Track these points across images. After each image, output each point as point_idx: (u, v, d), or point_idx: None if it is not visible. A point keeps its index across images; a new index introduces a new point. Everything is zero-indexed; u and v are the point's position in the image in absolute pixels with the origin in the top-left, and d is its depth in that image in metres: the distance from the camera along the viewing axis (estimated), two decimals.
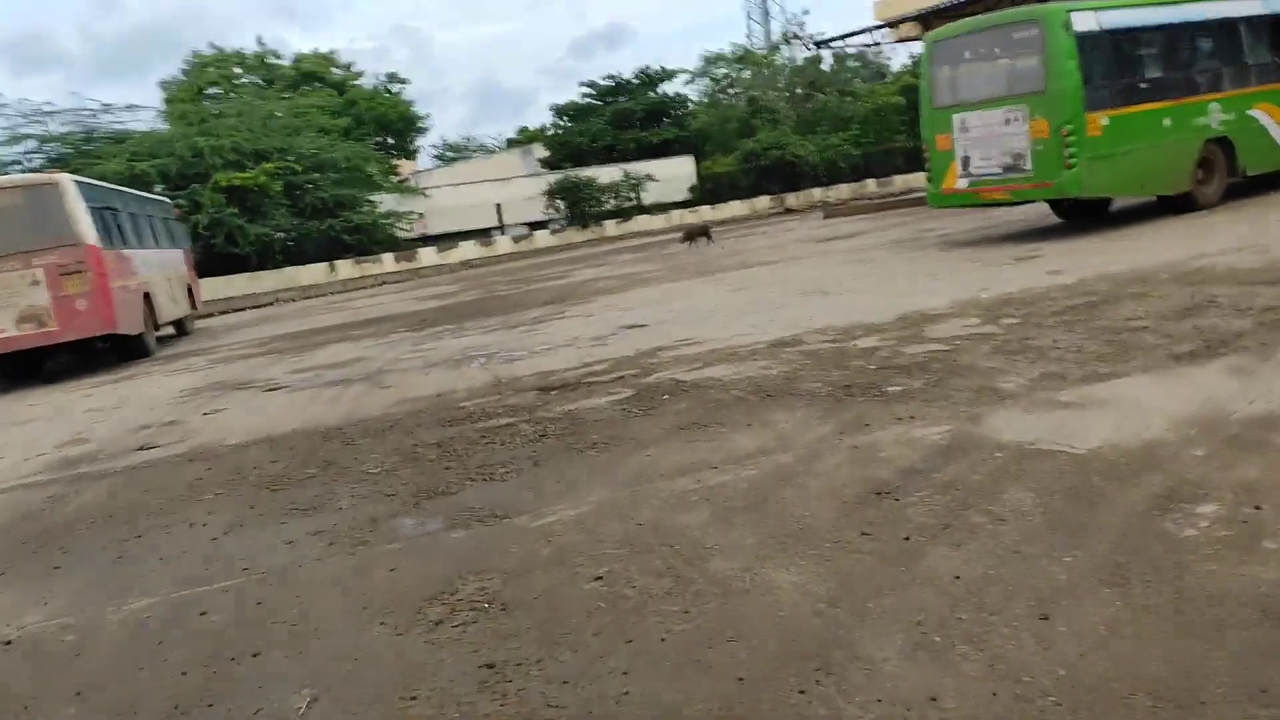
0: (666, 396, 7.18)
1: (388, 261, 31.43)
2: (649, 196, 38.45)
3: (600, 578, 3.98)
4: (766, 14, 58.18)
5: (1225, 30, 14.48)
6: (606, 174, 38.00)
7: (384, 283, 29.48)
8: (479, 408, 7.74)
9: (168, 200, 20.63)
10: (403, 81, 40.11)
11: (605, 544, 4.33)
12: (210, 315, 24.60)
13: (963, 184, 13.89)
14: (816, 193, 40.69)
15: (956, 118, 13.71)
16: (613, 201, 37.23)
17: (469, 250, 33.11)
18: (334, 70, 38.73)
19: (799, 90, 47.18)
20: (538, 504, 5.03)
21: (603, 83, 46.65)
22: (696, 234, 23.60)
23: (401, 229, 33.65)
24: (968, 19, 14.75)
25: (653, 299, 13.83)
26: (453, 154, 56.71)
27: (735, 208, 39.35)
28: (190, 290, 19.98)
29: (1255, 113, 14.38)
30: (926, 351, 7.40)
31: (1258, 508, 3.72)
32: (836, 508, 4.35)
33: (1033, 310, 8.45)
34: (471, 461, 6.08)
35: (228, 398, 10.32)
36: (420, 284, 26.90)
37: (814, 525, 4.19)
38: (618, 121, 45.73)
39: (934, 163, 14.24)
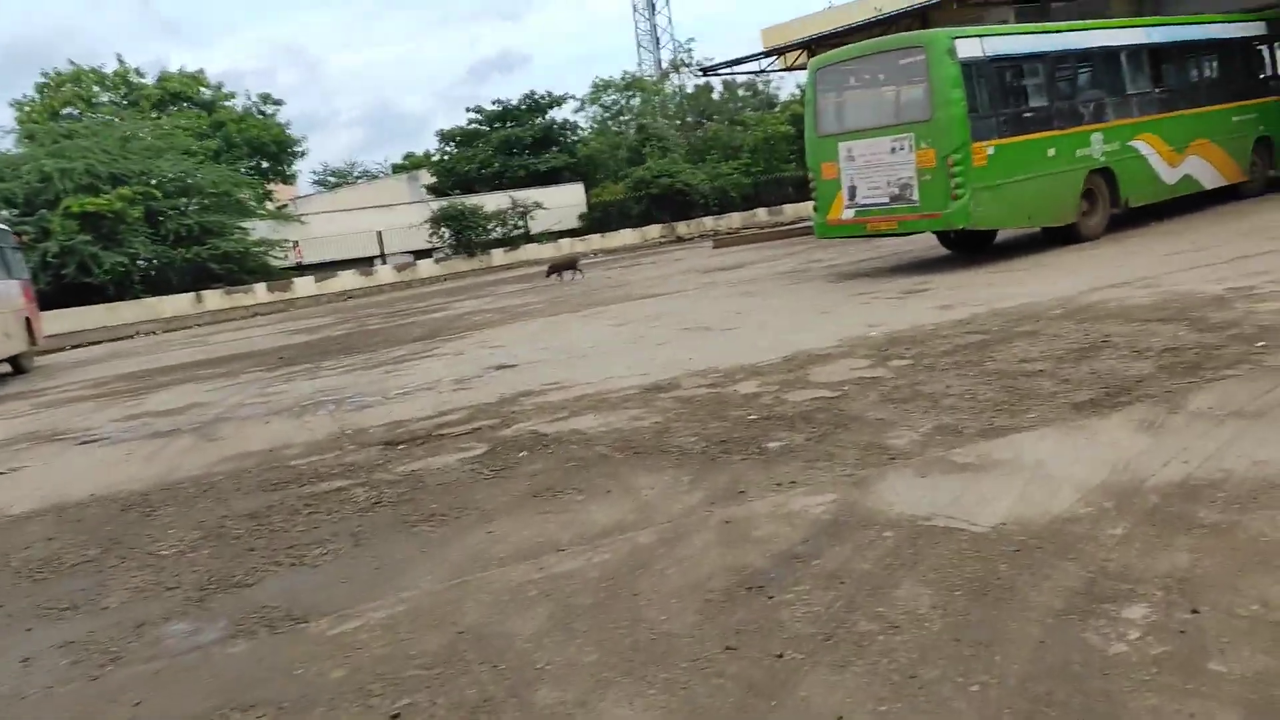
0: (523, 454, 6.36)
1: (260, 292, 29.83)
2: (538, 224, 37.59)
3: (397, 716, 3.12)
4: (657, 42, 58.00)
5: (1107, 59, 14.44)
6: (493, 201, 37.02)
7: (256, 314, 27.93)
8: (312, 467, 6.78)
9: (5, 228, 18.95)
10: (277, 103, 38.45)
11: (414, 662, 3.47)
12: (59, 350, 22.79)
13: (849, 214, 13.45)
14: (708, 221, 40.43)
15: (842, 146, 13.28)
16: (500, 230, 36.23)
17: (349, 280, 31.72)
18: (203, 90, 36.85)
19: (689, 118, 47.10)
20: (346, 600, 4.15)
21: (490, 108, 45.69)
22: (562, 267, 22.68)
23: (275, 258, 32.03)
24: (853, 45, 14.39)
25: (529, 335, 13.00)
26: (335, 179, 54.93)
27: (626, 236, 38.79)
28: (29, 324, 18.33)
29: (1137, 143, 14.34)
30: (811, 399, 6.74)
31: (1195, 611, 3.08)
32: (699, 608, 3.59)
33: (923, 350, 7.90)
34: (283, 539, 5.15)
35: (34, 452, 9.09)
36: (293, 316, 25.50)
37: (671, 634, 3.41)
38: (506, 148, 44.79)
39: (820, 192, 13.78)
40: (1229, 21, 16.73)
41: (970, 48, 12.49)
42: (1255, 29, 16.85)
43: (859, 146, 13.13)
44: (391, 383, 10.28)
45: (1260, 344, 6.37)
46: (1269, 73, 16.99)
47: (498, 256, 35.73)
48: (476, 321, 15.89)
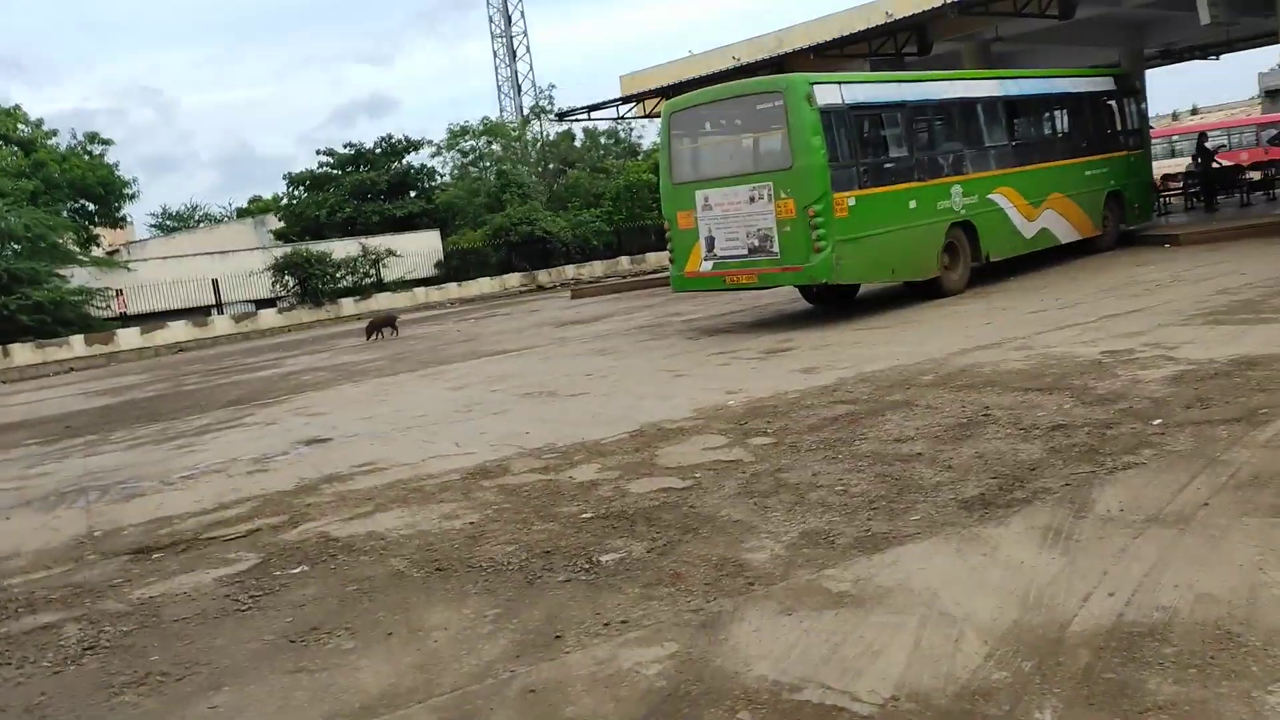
0: (300, 569, 5.09)
1: (77, 345, 27.21)
2: (392, 272, 35.92)
3: None
4: (518, 88, 57.06)
5: (965, 111, 14.11)
6: (343, 248, 35.20)
7: (72, 369, 25.44)
8: (28, 589, 5.34)
9: None
10: (105, 142, 35.72)
11: None
12: None
13: (707, 266, 12.62)
14: (569, 270, 39.51)
15: (699, 194, 12.46)
16: (350, 278, 34.42)
17: (180, 332, 29.36)
18: (21, 128, 33.98)
19: (552, 165, 46.27)
20: None
21: (342, 151, 43.87)
22: (380, 325, 21.07)
23: (96, 307, 29.42)
24: (709, 88, 13.67)
25: (357, 399, 11.63)
26: (174, 224, 51.84)
27: (485, 284, 37.47)
28: None
29: (996, 196, 14.01)
30: (658, 490, 5.69)
31: None
32: None
33: (787, 424, 6.98)
34: None
35: None
36: (111, 372, 23.22)
37: None
38: (359, 192, 43.04)
39: (676, 243, 12.93)
40: (1079, 76, 16.81)
41: (829, 94, 11.88)
42: (1104, 84, 16.97)
43: (716, 195, 12.34)
44: (179, 462, 8.79)
45: (1157, 422, 5.64)
46: (1118, 128, 17.10)
47: (347, 306, 33.88)
48: (305, 382, 14.37)
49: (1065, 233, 15.43)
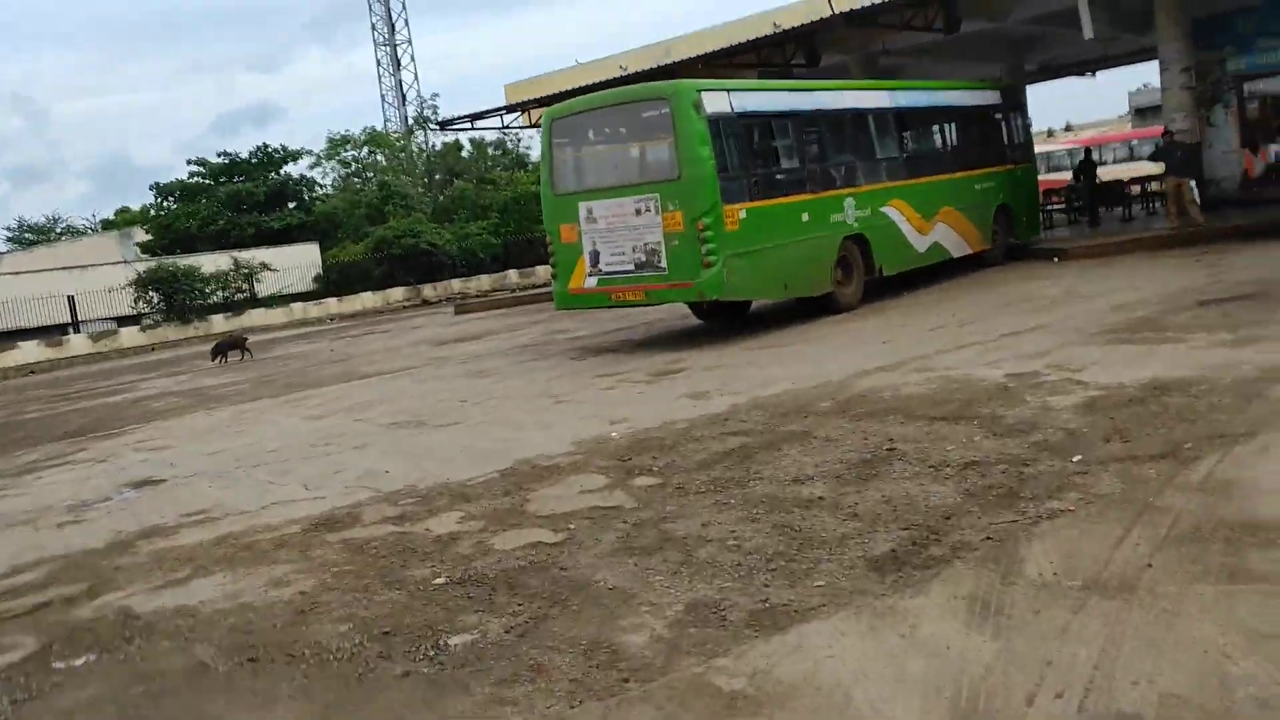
0: (85, 659, 4.18)
1: None
2: (268, 287, 34.26)
3: None
4: (403, 98, 55.46)
5: (856, 121, 13.73)
6: (213, 261, 33.42)
7: None
8: None
9: None
10: None
11: None
12: None
13: (592, 282, 11.89)
14: (456, 284, 38.36)
15: (583, 206, 11.74)
16: (221, 293, 32.67)
17: (31, 352, 27.32)
18: None
19: (438, 176, 44.98)
20: None
21: (215, 160, 41.86)
22: (228, 347, 19.62)
23: None
24: (593, 94, 12.98)
25: (207, 430, 10.54)
26: (33, 237, 48.77)
27: (366, 299, 36.05)
28: None
29: (889, 210, 13.66)
30: (525, 546, 4.93)
31: None
32: None
33: (675, 460, 6.30)
34: None
35: None
36: None
37: None
38: (234, 204, 41.10)
39: (559, 257, 12.17)
40: (968, 89, 16.68)
41: (718, 102, 11.30)
42: (992, 97, 16.89)
43: (600, 207, 11.64)
44: None
45: (1077, 459, 5.12)
46: (1005, 142, 17.03)
47: (218, 323, 32.13)
48: (155, 409, 13.13)
49: (957, 246, 15.21)
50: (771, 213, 11.79)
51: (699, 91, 11.06)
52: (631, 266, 11.55)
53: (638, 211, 11.33)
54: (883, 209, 13.58)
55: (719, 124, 11.25)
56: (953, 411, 6.57)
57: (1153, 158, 18.46)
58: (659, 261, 11.32)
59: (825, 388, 8.04)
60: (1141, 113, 54.65)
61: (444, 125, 29.36)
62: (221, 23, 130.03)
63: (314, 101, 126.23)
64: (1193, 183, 16.27)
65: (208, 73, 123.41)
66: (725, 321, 13.40)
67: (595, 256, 11.79)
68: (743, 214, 11.32)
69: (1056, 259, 15.75)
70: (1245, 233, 14.77)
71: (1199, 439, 5.15)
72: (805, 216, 12.28)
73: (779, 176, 12.35)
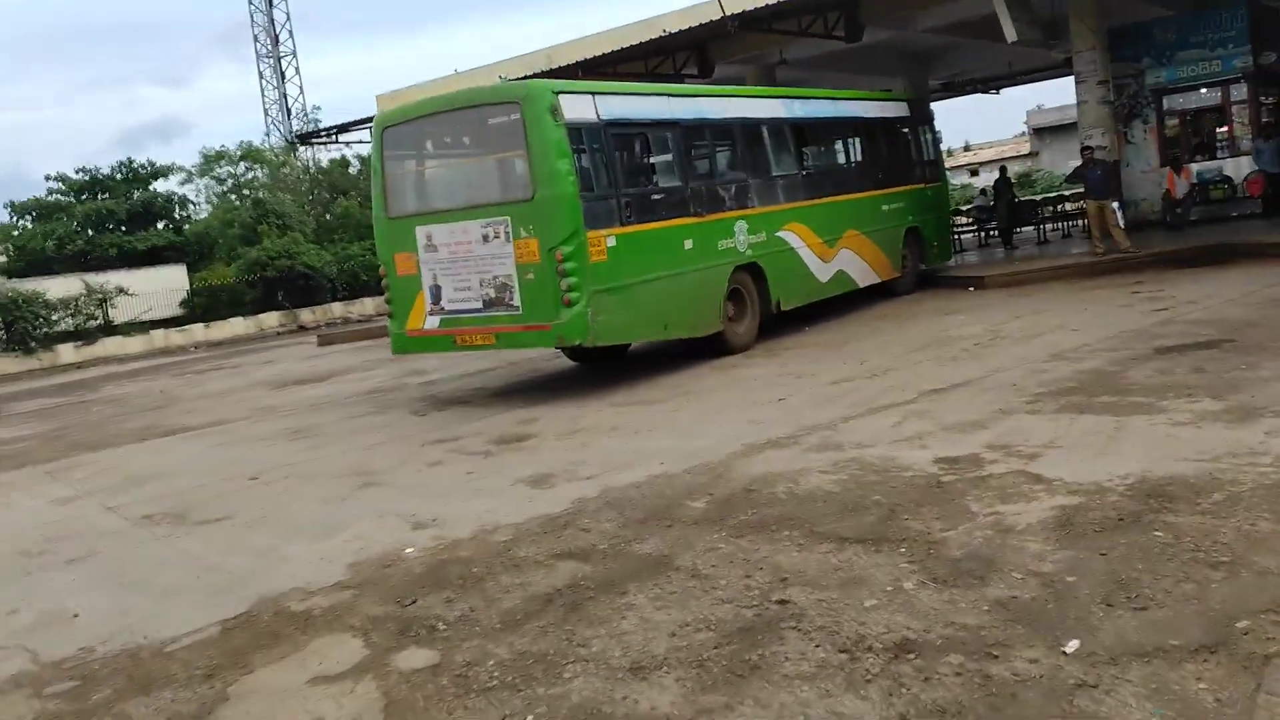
0: None
1: None
2: (126, 313, 31.29)
3: None
4: (288, 112, 52.42)
5: (749, 134, 11.92)
6: (63, 285, 30.34)
7: None
8: None
9: None
10: None
11: None
12: None
13: (434, 323, 9.81)
14: (337, 308, 35.80)
15: (420, 231, 9.66)
16: (71, 320, 29.60)
17: None
18: None
19: (327, 195, 42.18)
20: None
21: (75, 176, 38.50)
22: None
23: None
24: (432, 98, 10.92)
25: None
26: None
27: (237, 326, 33.25)
28: None
29: (786, 234, 11.89)
30: None
31: None
32: None
33: (474, 610, 4.33)
34: None
35: None
36: None
37: None
38: (95, 222, 37.85)
39: (395, 293, 10.05)
40: (873, 100, 15.08)
41: (580, 107, 9.35)
42: (900, 109, 15.32)
43: (442, 232, 9.57)
44: None
45: (1071, 647, 3.25)
46: (914, 158, 15.48)
47: (65, 353, 29.10)
48: None
49: (863, 275, 13.54)
50: (647, 240, 9.87)
51: (555, 94, 9.08)
52: (479, 304, 9.51)
53: (485, 238, 9.30)
54: (780, 234, 11.79)
55: (582, 133, 9.31)
56: (871, 528, 4.68)
57: (1071, 178, 17.20)
58: (511, 299, 9.31)
59: (701, 472, 6.12)
60: (1039, 132, 54.68)
61: (304, 139, 26.98)
62: (129, 38, 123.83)
63: (223, 117, 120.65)
64: (1115, 204, 14.91)
65: (112, 87, 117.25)
66: (600, 364, 11.44)
67: (436, 292, 9.72)
68: (611, 241, 9.38)
69: (973, 288, 14.21)
70: (1177, 259, 13.42)
71: (1253, 610, 3.32)
72: (688, 244, 10.39)
73: (656, 197, 10.43)
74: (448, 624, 4.22)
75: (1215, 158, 18.40)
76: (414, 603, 4.51)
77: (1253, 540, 3.94)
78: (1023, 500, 4.75)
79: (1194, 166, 17.54)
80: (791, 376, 9.32)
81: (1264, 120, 17.82)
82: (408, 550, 5.34)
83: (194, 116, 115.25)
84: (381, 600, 4.61)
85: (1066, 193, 23.30)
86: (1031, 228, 20.22)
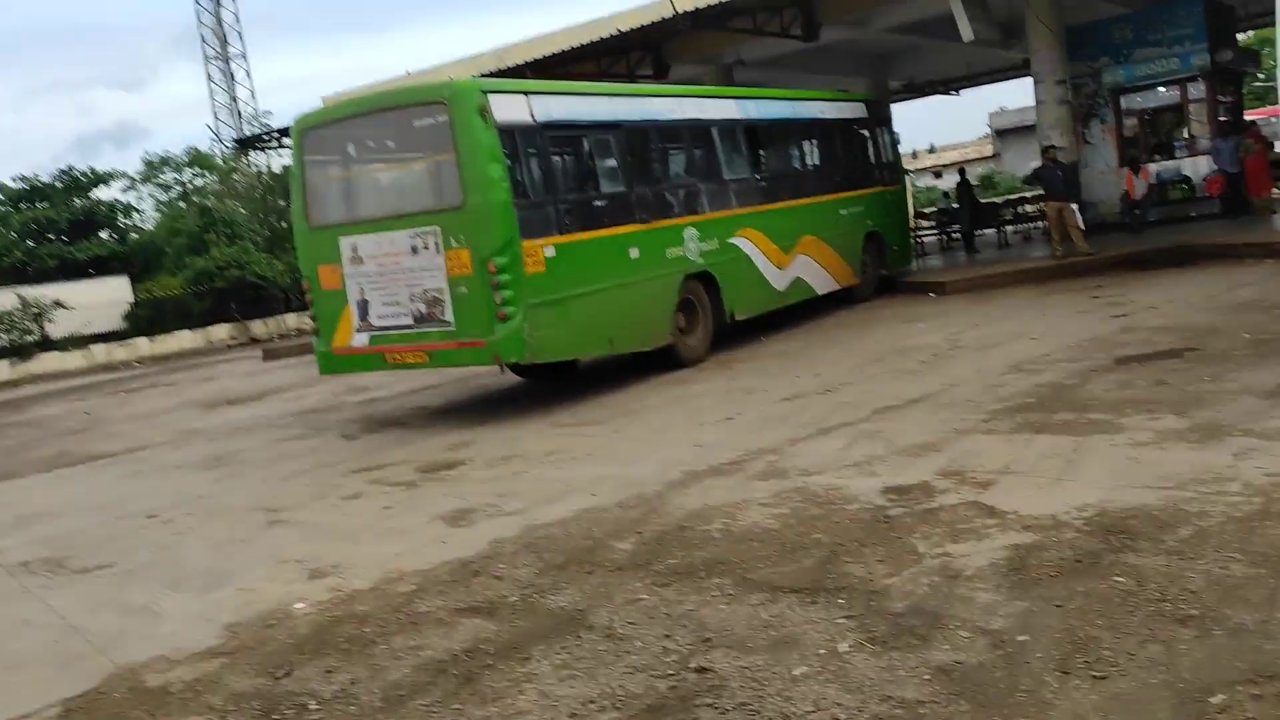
0: None
1: None
2: (64, 327, 30.31)
3: None
4: (238, 115, 51.25)
5: (699, 135, 11.43)
6: None
7: None
8: None
9: None
10: None
11: None
12: None
13: (362, 340, 9.22)
14: (291, 319, 34.89)
15: (345, 242, 9.08)
16: (5, 336, 28.64)
17: None
18: None
19: (281, 202, 41.21)
20: None
21: (12, 185, 37.38)
22: None
23: None
24: (354, 98, 10.34)
25: None
26: None
27: (184, 339, 32.35)
28: None
29: (739, 240, 11.41)
30: None
31: None
32: None
33: (355, 683, 3.81)
34: None
35: None
36: None
37: None
38: (34, 232, 36.77)
39: (320, 308, 9.45)
40: (829, 100, 14.64)
41: (513, 108, 8.81)
42: (857, 110, 14.90)
43: (368, 243, 8.99)
44: None
45: None
46: (872, 160, 15.06)
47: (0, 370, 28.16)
48: None
49: (822, 282, 13.09)
50: (588, 249, 9.34)
51: (484, 93, 8.53)
52: (410, 320, 8.94)
53: (414, 249, 8.73)
54: (732, 240, 11.31)
55: (515, 135, 8.76)
56: (809, 574, 4.18)
57: (1030, 180, 16.88)
58: (443, 314, 8.74)
59: (634, 504, 5.61)
60: (1002, 134, 54.75)
61: (247, 143, 26.19)
62: (78, 41, 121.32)
63: (180, 121, 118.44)
64: (1075, 206, 14.58)
65: (67, 91, 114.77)
66: (548, 379, 10.90)
67: (364, 307, 9.14)
68: (549, 251, 8.84)
69: (933, 294, 13.80)
70: (1137, 262, 13.09)
71: (1229, 681, 2.85)
72: (634, 252, 9.88)
73: (598, 203, 9.90)
74: (321, 702, 3.66)
75: (1174, 158, 18.15)
76: (288, 674, 3.95)
77: (1225, 588, 3.47)
78: (974, 538, 4.27)
79: (1153, 167, 17.28)
80: (742, 392, 8.82)
81: (1221, 119, 17.60)
82: (297, 605, 4.77)
83: (151, 121, 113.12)
84: (253, 671, 4.04)
85: (1027, 194, 23.03)
86: (993, 230, 19.89)
